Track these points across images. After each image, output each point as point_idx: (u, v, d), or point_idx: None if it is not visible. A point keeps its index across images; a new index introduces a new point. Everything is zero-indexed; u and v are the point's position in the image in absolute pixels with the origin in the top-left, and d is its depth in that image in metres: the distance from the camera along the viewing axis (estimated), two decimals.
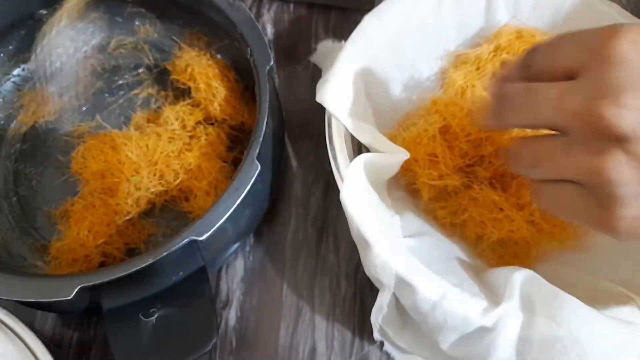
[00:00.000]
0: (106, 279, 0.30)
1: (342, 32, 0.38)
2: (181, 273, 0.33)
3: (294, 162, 0.46)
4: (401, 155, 0.34)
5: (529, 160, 0.26)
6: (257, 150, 0.34)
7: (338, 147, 0.34)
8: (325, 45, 0.45)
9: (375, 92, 0.39)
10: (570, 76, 0.23)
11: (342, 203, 0.31)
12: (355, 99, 0.35)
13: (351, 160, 0.33)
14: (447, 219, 0.38)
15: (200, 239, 0.31)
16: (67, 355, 0.39)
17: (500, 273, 0.33)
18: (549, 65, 0.25)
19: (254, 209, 0.38)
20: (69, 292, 0.29)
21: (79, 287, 0.29)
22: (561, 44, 0.24)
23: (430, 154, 0.38)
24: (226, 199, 0.32)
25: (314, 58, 0.47)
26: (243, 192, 0.33)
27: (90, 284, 0.30)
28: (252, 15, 0.39)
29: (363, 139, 0.35)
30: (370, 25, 0.38)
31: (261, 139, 0.34)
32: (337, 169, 0.34)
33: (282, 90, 0.49)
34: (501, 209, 0.37)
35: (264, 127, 0.35)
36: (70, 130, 0.45)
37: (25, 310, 0.36)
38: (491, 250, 0.38)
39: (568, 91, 0.23)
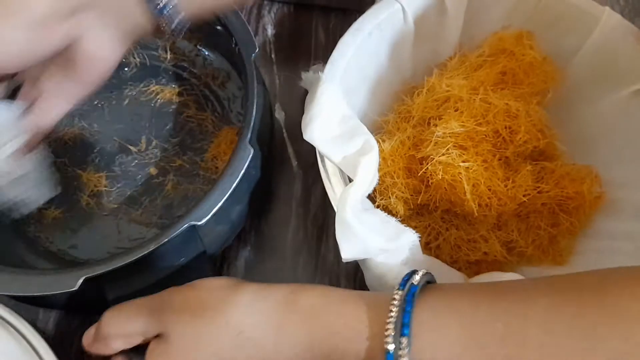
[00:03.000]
0: (110, 268, 0.30)
1: (342, 33, 0.38)
2: (182, 259, 0.34)
3: (294, 162, 0.47)
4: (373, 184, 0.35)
5: None
6: (249, 136, 0.35)
7: (331, 171, 0.35)
8: (307, 76, 0.46)
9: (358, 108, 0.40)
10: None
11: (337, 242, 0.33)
12: (339, 132, 0.35)
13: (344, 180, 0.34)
14: (422, 238, 0.38)
15: (199, 223, 0.32)
16: (69, 352, 0.39)
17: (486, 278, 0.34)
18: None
19: (250, 195, 0.39)
20: (74, 283, 0.30)
21: (83, 277, 0.30)
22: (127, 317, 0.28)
23: (406, 167, 0.38)
24: (222, 183, 0.33)
25: (303, 83, 0.48)
26: (238, 176, 0.33)
27: (95, 274, 0.30)
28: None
29: (349, 173, 0.35)
30: (347, 46, 0.37)
31: (252, 125, 0.35)
32: (330, 182, 0.35)
33: (283, 90, 0.49)
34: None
35: (254, 113, 0.35)
36: (63, 132, 0.45)
37: (28, 309, 0.36)
38: (466, 268, 0.39)
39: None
